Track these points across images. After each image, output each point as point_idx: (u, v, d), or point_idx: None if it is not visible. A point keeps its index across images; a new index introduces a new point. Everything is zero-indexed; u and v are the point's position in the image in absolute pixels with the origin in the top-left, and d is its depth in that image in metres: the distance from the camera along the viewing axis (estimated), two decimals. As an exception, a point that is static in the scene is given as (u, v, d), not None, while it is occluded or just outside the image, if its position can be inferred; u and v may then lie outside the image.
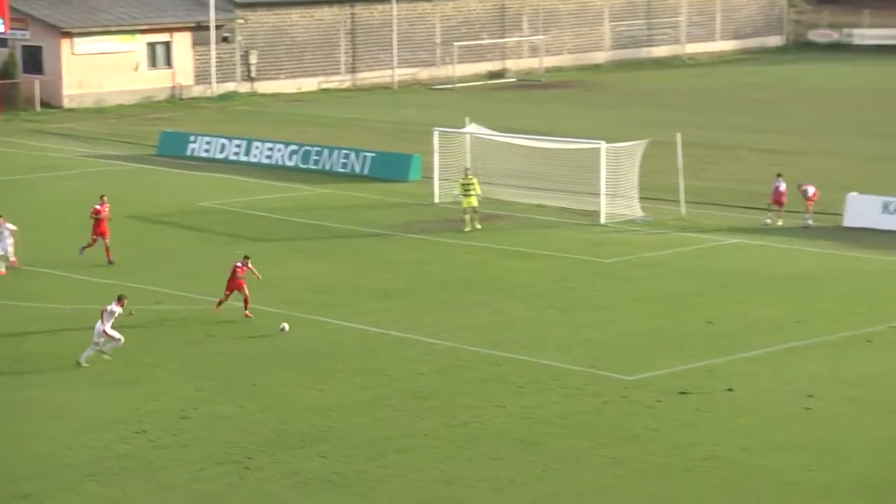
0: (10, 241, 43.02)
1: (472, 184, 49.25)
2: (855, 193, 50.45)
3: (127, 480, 26.72)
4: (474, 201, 49.06)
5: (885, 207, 49.06)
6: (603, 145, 50.80)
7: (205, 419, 30.07)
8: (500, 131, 57.95)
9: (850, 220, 49.49)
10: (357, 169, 61.27)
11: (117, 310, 33.78)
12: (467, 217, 49.02)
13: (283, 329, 36.11)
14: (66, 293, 40.48)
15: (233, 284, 37.80)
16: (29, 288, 41.25)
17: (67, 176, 61.88)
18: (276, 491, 26.24)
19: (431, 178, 55.26)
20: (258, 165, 63.88)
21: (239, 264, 38.13)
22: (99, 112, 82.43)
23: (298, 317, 37.88)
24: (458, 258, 45.13)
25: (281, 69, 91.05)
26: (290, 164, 63.29)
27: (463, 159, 54.66)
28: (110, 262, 43.82)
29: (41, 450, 28.40)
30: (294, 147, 63.98)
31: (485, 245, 46.88)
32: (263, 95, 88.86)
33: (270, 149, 64.53)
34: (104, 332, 33.53)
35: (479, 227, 48.80)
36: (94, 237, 44.25)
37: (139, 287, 40.43)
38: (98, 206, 44.46)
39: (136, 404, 31.03)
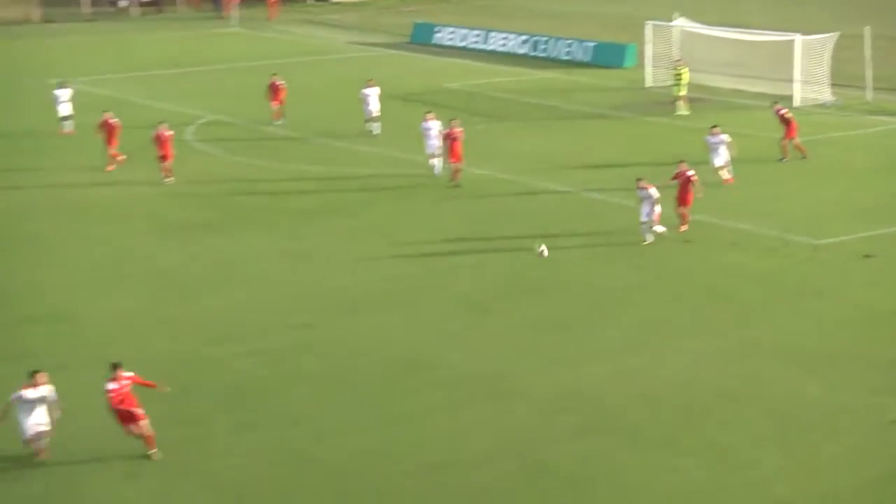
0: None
1: (681, 74, 47.92)
2: None
3: (391, 311, 27.20)
4: (683, 90, 47.77)
5: None
6: (798, 37, 49.01)
7: (447, 268, 30.24)
8: (706, 24, 56.38)
9: None
10: (579, 56, 60.51)
11: None
12: (679, 103, 47.87)
13: (541, 253, 30.32)
14: (333, 158, 41.17)
15: None
16: (295, 152, 42.05)
17: (335, 60, 62.59)
18: (508, 332, 26.39)
19: (644, 65, 54.25)
20: (494, 53, 63.59)
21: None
22: (361, 5, 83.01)
23: (528, 183, 37.74)
24: (668, 136, 44.35)
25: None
26: (521, 51, 62.84)
27: (671, 49, 53.41)
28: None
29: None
30: (525, 37, 63.46)
31: (689, 125, 45.89)
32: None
33: (505, 38, 64.16)
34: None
35: (686, 112, 47.54)
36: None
37: (398, 156, 40.85)
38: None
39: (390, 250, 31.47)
